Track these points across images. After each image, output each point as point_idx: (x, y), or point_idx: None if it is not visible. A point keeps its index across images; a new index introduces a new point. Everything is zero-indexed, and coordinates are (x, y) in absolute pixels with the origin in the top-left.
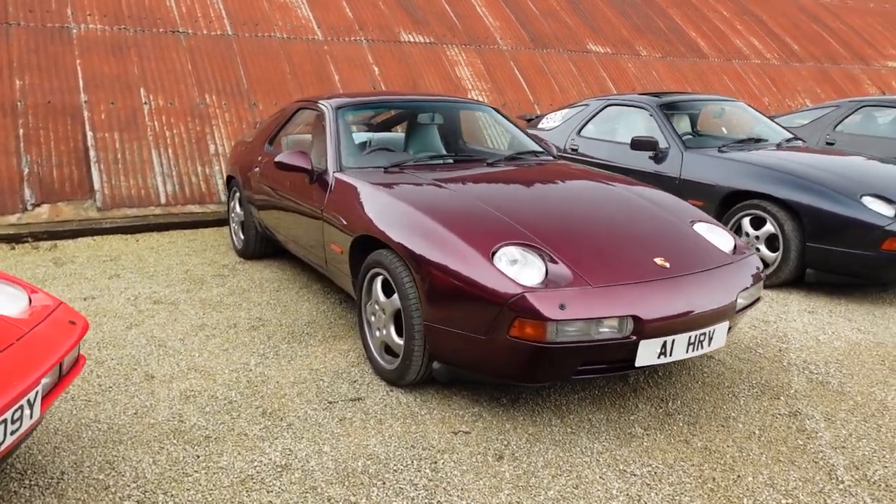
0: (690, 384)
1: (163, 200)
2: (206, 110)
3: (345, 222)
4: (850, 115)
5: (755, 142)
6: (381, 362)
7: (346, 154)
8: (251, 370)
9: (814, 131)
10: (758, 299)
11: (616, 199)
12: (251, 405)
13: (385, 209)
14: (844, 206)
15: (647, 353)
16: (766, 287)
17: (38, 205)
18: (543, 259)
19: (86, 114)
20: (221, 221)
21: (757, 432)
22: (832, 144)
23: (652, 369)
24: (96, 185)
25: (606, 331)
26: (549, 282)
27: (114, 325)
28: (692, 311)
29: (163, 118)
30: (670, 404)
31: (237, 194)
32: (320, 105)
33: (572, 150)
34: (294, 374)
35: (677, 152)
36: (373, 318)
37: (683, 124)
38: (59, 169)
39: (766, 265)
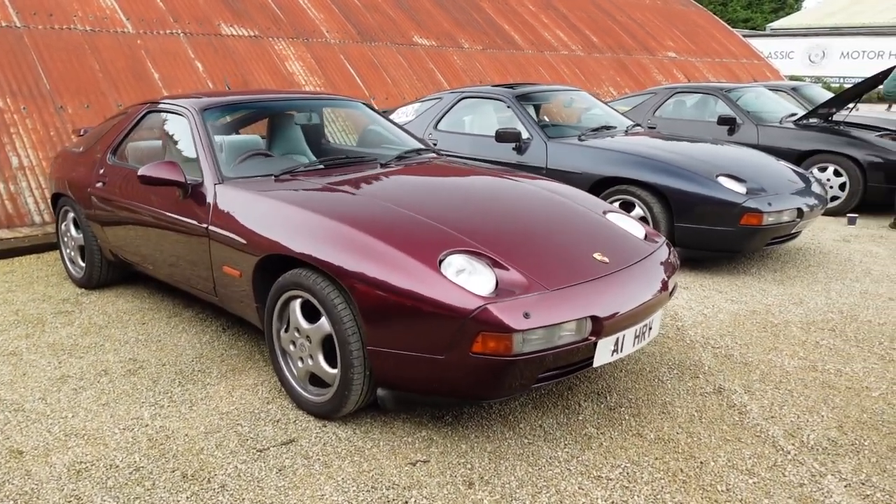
0: (616, 374)
1: None
2: (0, 116)
3: (243, 241)
4: (665, 101)
5: (606, 129)
6: (307, 395)
7: (225, 162)
8: (148, 425)
9: (635, 117)
10: (676, 285)
11: (533, 196)
12: (165, 469)
13: (297, 223)
14: (705, 186)
15: (604, 352)
16: None
17: None
18: (490, 266)
19: None
20: (41, 247)
21: (696, 414)
22: (653, 128)
23: None
24: None
25: (567, 335)
26: (501, 290)
27: None
28: (638, 304)
29: None
30: (609, 398)
31: (70, 215)
32: (179, 107)
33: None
34: (203, 423)
35: (540, 143)
36: (292, 348)
37: (531, 114)
38: None
39: None
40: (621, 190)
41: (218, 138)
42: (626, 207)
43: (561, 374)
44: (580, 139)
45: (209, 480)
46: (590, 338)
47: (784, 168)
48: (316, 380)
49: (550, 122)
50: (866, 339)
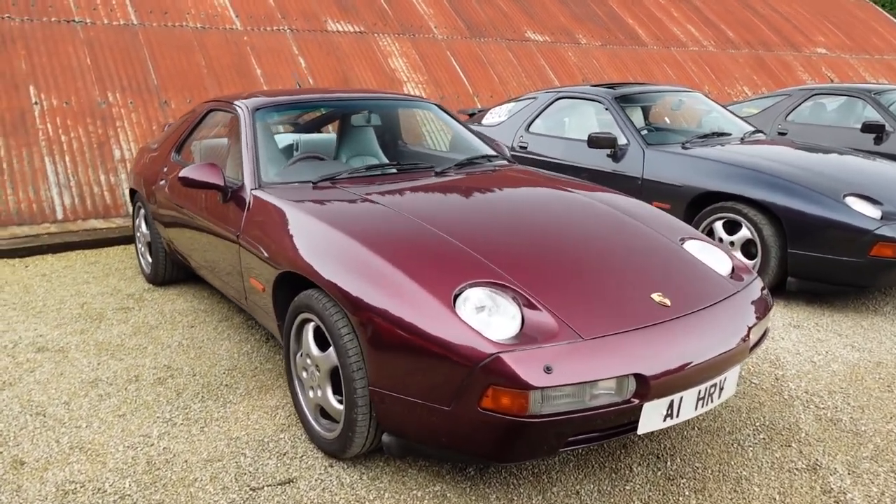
0: (687, 432)
1: (60, 215)
2: (108, 110)
3: (266, 253)
4: (801, 103)
5: (718, 136)
6: (318, 428)
7: (267, 166)
8: (153, 444)
9: (765, 121)
10: (766, 332)
11: (596, 217)
12: (150, 500)
13: (314, 238)
14: (828, 208)
15: (652, 417)
16: None
17: None
18: (518, 303)
19: None
20: (129, 238)
21: (778, 498)
22: (784, 135)
23: None
24: None
25: (603, 395)
26: (525, 335)
27: None
28: (702, 360)
29: (57, 120)
30: (669, 464)
31: (141, 211)
32: (235, 106)
33: (521, 147)
34: (208, 448)
35: (638, 150)
36: (304, 375)
37: (637, 117)
38: None
39: None
40: (726, 207)
41: (280, 138)
42: (732, 228)
43: (596, 440)
44: (684, 147)
45: None
46: (633, 400)
47: None
48: (326, 414)
49: (656, 126)
50: None
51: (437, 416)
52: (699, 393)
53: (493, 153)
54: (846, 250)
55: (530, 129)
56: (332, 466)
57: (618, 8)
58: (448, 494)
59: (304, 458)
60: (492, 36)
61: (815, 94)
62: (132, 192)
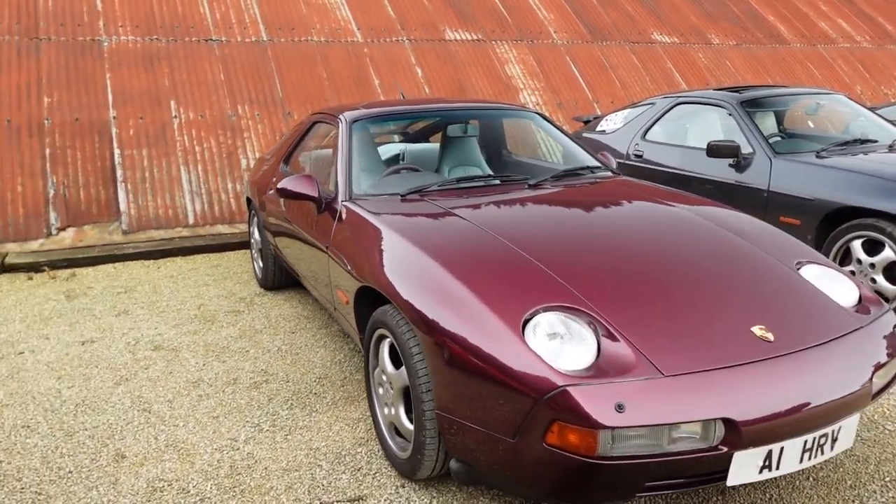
0: (799, 481)
1: (191, 220)
2: (237, 122)
3: (349, 266)
4: None
5: (861, 143)
6: (392, 446)
7: (359, 178)
8: (238, 449)
9: None
10: None
11: (699, 236)
12: None
13: (392, 253)
14: None
15: (745, 468)
16: None
17: (63, 229)
18: (596, 331)
19: (114, 130)
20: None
21: None
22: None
23: None
24: (122, 207)
25: (685, 439)
26: (599, 367)
27: (102, 379)
28: (808, 406)
29: (192, 132)
30: None
31: (255, 218)
32: (334, 118)
33: (636, 155)
34: (288, 457)
35: (764, 159)
36: (381, 391)
37: (769, 123)
38: (86, 190)
39: (885, 300)
40: (866, 224)
41: (387, 148)
42: (873, 248)
43: (678, 487)
44: (819, 156)
45: None
46: (721, 447)
47: None
48: (399, 433)
49: (790, 133)
50: None
51: (503, 447)
52: (805, 443)
53: (596, 164)
54: None
55: (646, 137)
56: (403, 487)
57: (757, 5)
58: None
59: (377, 475)
60: (615, 39)
61: None
62: (248, 201)
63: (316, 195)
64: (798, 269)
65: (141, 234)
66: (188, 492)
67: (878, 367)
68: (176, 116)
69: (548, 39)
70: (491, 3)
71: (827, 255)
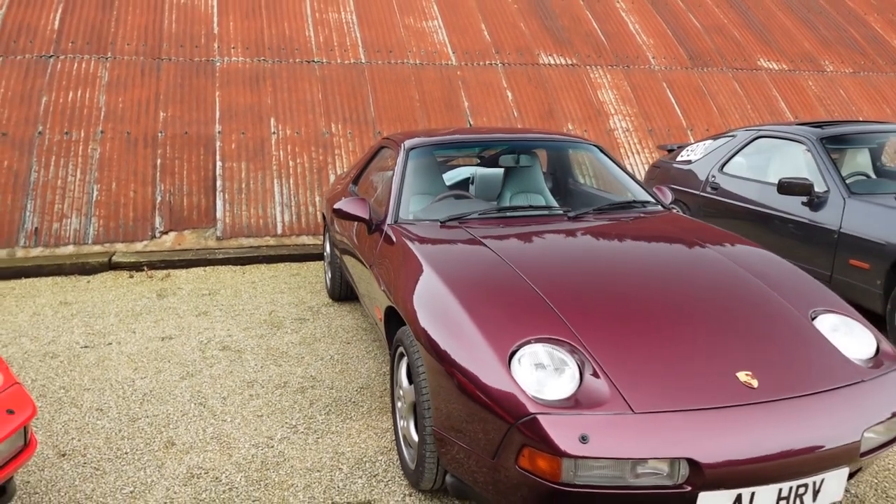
0: None
1: (279, 231)
2: (330, 139)
3: (382, 285)
4: None
5: None
6: (406, 457)
7: (406, 203)
8: (273, 446)
9: None
10: None
11: (716, 277)
12: (249, 497)
13: (414, 277)
14: None
15: None
16: None
17: (166, 232)
18: (582, 366)
19: (218, 144)
20: None
21: None
22: None
23: None
24: (218, 215)
25: (650, 474)
26: (577, 399)
27: (171, 373)
28: (778, 454)
29: (288, 147)
30: None
31: (328, 233)
32: (399, 144)
33: (712, 188)
34: (314, 458)
35: (838, 198)
36: (399, 404)
37: (862, 160)
38: (189, 198)
39: None
40: None
41: (457, 172)
42: None
43: None
44: None
45: None
46: (685, 486)
47: None
48: (410, 444)
49: (887, 171)
50: None
51: (485, 466)
52: (780, 491)
53: (647, 198)
54: None
55: (724, 169)
56: (410, 496)
57: (882, 28)
58: None
59: (389, 483)
60: (717, 65)
61: None
62: (323, 216)
63: (366, 217)
64: (814, 317)
65: (233, 240)
66: (220, 480)
67: (874, 423)
68: (274, 132)
69: (645, 65)
70: (589, 28)
71: (894, 304)
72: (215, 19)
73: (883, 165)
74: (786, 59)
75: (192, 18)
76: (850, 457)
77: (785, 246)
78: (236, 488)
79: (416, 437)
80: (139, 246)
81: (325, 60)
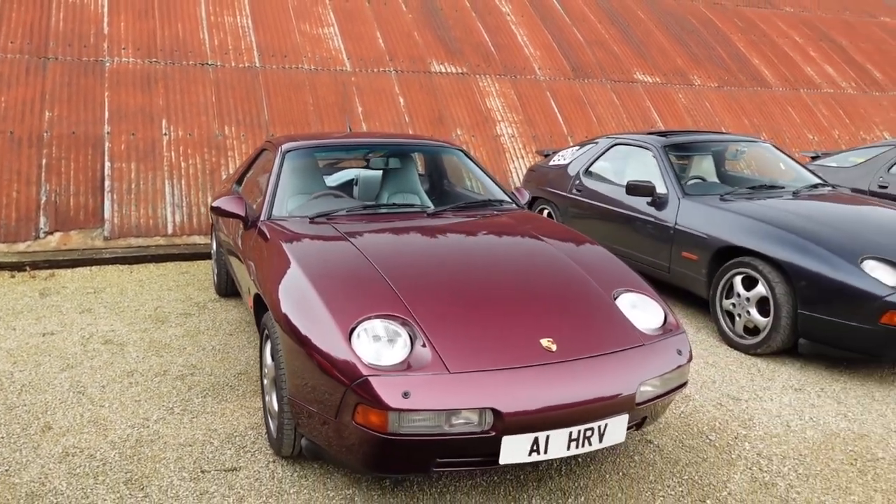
0: (609, 474)
1: (170, 230)
2: (223, 141)
3: (253, 276)
4: None
5: (768, 188)
6: (271, 427)
7: (281, 201)
8: (148, 427)
9: (866, 172)
10: (680, 385)
11: (538, 263)
12: (122, 469)
13: (278, 266)
14: (839, 269)
15: (514, 450)
16: (756, 355)
17: (51, 233)
18: (413, 336)
19: (106, 144)
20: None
21: None
22: (885, 188)
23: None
24: (106, 215)
25: (462, 423)
26: (407, 363)
27: (51, 366)
28: (566, 404)
29: (180, 149)
30: (571, 501)
31: (215, 231)
32: (277, 147)
33: (577, 190)
34: (187, 434)
35: (675, 199)
36: (265, 381)
37: (707, 166)
38: (76, 198)
39: (756, 331)
40: (745, 263)
41: (342, 174)
42: (750, 284)
43: (464, 465)
44: (722, 199)
45: (141, 489)
46: (490, 432)
47: None
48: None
49: (728, 175)
50: None
51: (329, 426)
52: (570, 434)
53: (504, 198)
54: (855, 315)
55: (587, 173)
56: (273, 462)
57: (745, 48)
58: (356, 499)
59: (256, 452)
60: (597, 77)
61: None
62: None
63: (242, 213)
64: (616, 295)
65: (121, 240)
66: (94, 457)
67: (653, 377)
68: (166, 134)
69: (531, 75)
70: (480, 39)
71: (714, 289)
72: (105, 19)
73: (727, 171)
74: (659, 73)
75: (81, 17)
76: (628, 405)
77: (634, 241)
78: (109, 463)
79: (276, 408)
80: (22, 246)
81: (219, 63)
